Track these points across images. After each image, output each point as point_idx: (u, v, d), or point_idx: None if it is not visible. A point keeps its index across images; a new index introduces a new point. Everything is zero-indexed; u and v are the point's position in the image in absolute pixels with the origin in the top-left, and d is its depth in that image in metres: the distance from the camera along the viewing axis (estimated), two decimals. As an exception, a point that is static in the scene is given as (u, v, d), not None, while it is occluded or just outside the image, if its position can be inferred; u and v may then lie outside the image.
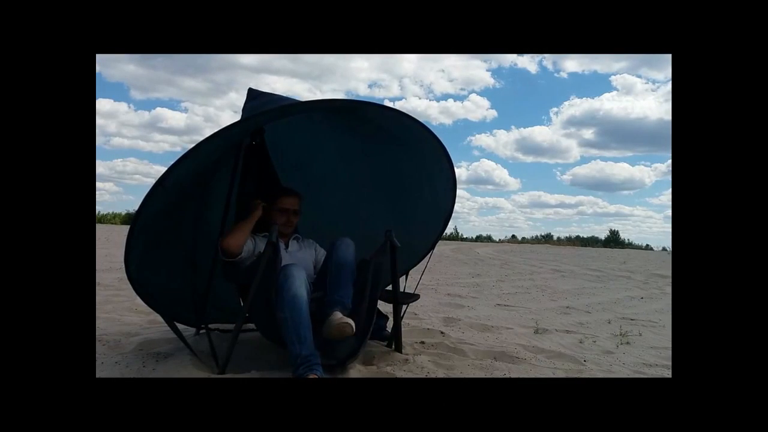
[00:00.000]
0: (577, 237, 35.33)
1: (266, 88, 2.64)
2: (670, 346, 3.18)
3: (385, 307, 2.71)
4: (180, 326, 2.59)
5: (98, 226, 20.34)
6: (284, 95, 2.61)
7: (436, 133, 2.70)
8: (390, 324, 2.75)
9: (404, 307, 2.73)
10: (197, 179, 2.50)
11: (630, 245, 33.34)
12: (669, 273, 9.88)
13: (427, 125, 2.66)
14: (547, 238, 35.53)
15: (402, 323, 2.70)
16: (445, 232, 3.51)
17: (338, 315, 2.17)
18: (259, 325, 2.52)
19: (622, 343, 3.25)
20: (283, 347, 2.49)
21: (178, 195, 2.24)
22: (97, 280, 5.06)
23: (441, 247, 3.72)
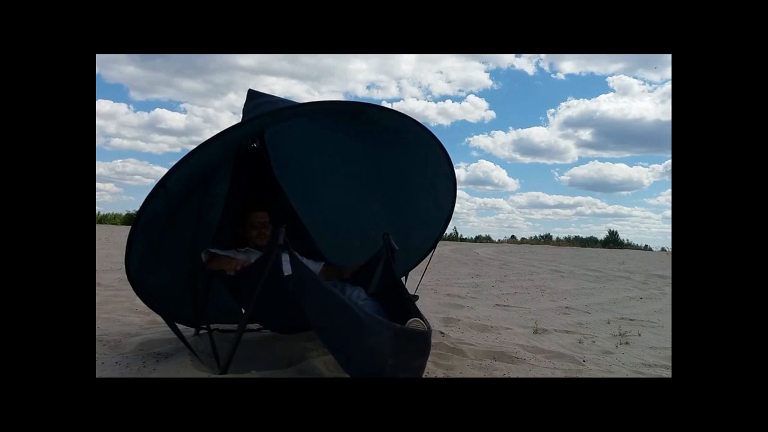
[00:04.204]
0: (576, 237, 35.19)
1: (265, 90, 2.65)
2: (669, 346, 3.18)
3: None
4: (180, 326, 2.59)
5: (98, 227, 20.28)
6: (283, 97, 2.61)
7: (435, 135, 2.71)
8: None
9: None
10: (198, 180, 2.50)
11: (629, 246, 33.29)
12: (668, 273, 9.88)
13: (426, 127, 2.67)
14: (546, 239, 35.43)
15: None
16: (445, 232, 3.51)
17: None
18: (267, 322, 2.52)
19: (621, 344, 3.26)
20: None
21: (179, 196, 2.24)
22: (97, 280, 5.05)
23: (440, 247, 3.73)
